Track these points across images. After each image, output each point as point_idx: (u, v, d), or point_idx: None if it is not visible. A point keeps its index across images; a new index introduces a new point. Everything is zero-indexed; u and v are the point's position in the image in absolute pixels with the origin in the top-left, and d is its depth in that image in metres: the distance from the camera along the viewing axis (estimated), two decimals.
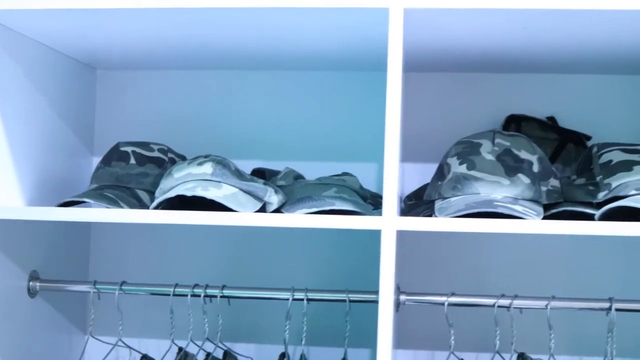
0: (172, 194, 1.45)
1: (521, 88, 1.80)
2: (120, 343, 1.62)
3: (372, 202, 1.63)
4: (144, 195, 1.61)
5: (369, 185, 1.74)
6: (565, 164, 1.73)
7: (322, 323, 1.74)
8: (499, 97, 1.81)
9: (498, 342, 1.52)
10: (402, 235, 1.46)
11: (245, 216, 1.40)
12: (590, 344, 1.73)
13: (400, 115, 1.34)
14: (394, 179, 1.32)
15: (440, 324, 1.56)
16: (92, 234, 1.90)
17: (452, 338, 1.54)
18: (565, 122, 1.78)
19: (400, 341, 1.75)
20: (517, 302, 1.52)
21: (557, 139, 1.76)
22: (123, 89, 1.90)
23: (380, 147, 1.36)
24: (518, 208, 1.39)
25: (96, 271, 1.88)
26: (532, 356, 1.59)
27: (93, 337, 1.66)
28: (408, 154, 1.77)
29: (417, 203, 1.62)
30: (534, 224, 1.32)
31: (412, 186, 1.73)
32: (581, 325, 1.73)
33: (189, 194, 1.43)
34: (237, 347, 1.71)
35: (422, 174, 1.76)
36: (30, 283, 1.63)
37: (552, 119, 1.78)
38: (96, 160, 1.72)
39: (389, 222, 1.32)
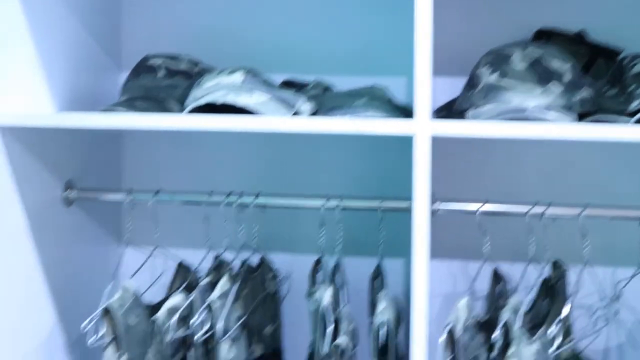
0: (203, 101, 1.44)
1: (551, 1, 1.77)
2: (156, 252, 1.64)
3: (403, 113, 1.62)
4: (174, 106, 1.59)
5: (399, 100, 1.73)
6: (596, 78, 1.70)
7: (356, 233, 1.72)
8: (528, 11, 1.78)
9: (533, 249, 1.52)
10: (434, 143, 1.45)
11: (277, 121, 1.39)
12: (623, 254, 1.70)
13: (431, 22, 1.31)
14: (427, 81, 1.30)
15: (473, 234, 1.55)
16: (125, 143, 1.90)
17: (488, 244, 1.53)
18: (595, 36, 1.75)
19: (433, 251, 1.74)
20: (550, 211, 1.51)
21: (586, 53, 1.73)
22: (150, 1, 1.89)
23: (409, 61, 1.34)
24: (550, 116, 1.38)
25: (129, 181, 1.88)
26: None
27: (129, 246, 1.67)
28: (437, 68, 1.75)
29: (448, 114, 1.62)
30: (570, 128, 1.32)
31: (443, 100, 1.72)
32: (615, 235, 1.71)
33: (221, 100, 1.42)
34: (272, 257, 1.72)
35: (452, 88, 1.73)
36: (66, 192, 1.63)
37: (581, 33, 1.76)
38: (124, 76, 1.72)
39: (423, 126, 1.31)
